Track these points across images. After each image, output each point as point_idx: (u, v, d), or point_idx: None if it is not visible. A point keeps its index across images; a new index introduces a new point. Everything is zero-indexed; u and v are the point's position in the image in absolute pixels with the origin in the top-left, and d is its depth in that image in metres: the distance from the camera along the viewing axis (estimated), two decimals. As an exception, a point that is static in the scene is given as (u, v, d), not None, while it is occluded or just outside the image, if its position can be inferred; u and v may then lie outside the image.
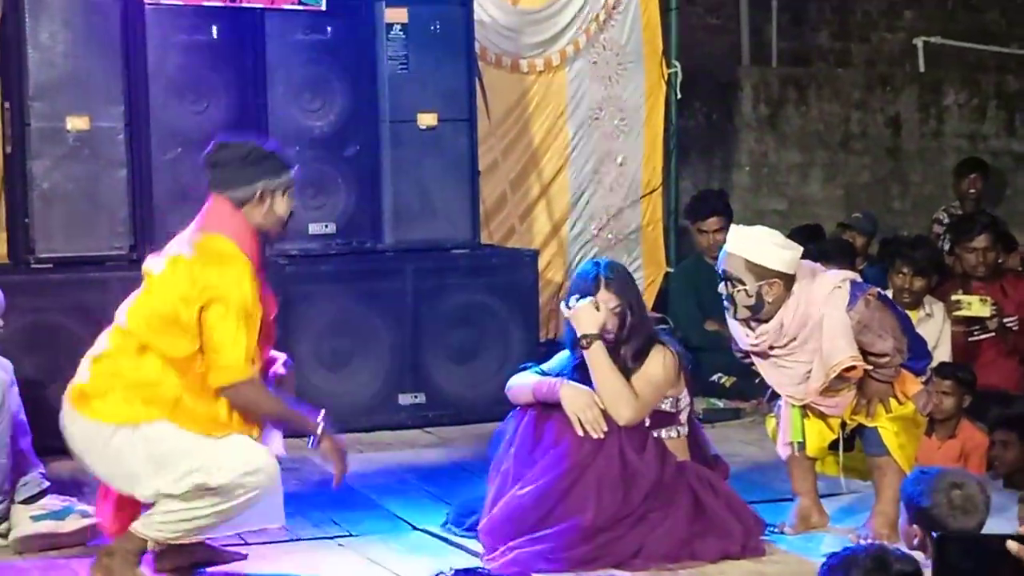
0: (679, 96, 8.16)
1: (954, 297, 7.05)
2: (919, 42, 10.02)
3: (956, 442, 6.51)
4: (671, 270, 8.12)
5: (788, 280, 4.80)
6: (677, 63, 8.13)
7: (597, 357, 4.80)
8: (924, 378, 5.09)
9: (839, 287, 4.84)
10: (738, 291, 4.81)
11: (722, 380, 7.32)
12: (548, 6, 7.80)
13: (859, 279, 5.02)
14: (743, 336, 4.95)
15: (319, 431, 4.48)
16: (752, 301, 4.81)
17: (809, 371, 4.87)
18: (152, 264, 4.60)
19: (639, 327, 4.90)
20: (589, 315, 4.82)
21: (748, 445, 6.50)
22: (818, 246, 7.86)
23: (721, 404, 7.16)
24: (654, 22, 8.05)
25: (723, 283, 4.87)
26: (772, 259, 4.79)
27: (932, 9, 10.17)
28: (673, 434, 4.94)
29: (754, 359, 5.01)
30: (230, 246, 4.42)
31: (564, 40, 7.86)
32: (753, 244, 4.82)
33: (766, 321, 4.84)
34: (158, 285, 4.50)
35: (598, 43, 7.95)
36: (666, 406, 4.92)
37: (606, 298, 4.84)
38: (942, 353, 6.98)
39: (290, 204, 4.58)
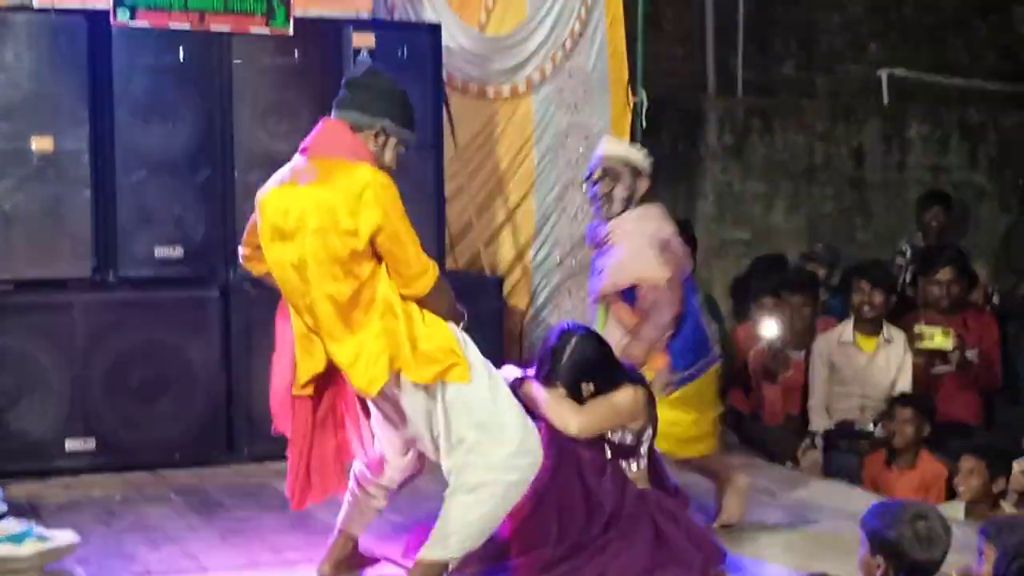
0: (644, 124, 8.19)
1: (917, 329, 7.11)
2: (883, 74, 10.08)
3: (916, 472, 6.56)
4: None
5: (646, 181, 5.52)
6: (643, 91, 8.16)
7: (529, 391, 4.81)
8: (687, 374, 5.40)
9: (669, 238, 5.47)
10: (617, 186, 5.42)
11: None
12: (515, 33, 7.83)
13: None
14: (599, 232, 5.50)
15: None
16: (627, 194, 5.44)
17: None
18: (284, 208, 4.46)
19: (599, 393, 4.90)
20: (508, 370, 4.90)
21: (709, 474, 6.51)
22: (781, 276, 7.94)
23: (683, 433, 7.16)
24: (620, 50, 8.08)
25: (597, 183, 5.45)
26: (641, 160, 5.55)
27: (896, 42, 10.25)
28: (634, 466, 4.94)
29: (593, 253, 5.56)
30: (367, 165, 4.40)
31: (530, 67, 7.88)
32: (625, 147, 5.64)
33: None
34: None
35: (564, 70, 7.98)
36: (628, 440, 4.92)
37: (556, 392, 4.87)
38: (903, 382, 7.04)
39: (394, 160, 4.57)
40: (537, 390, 4.84)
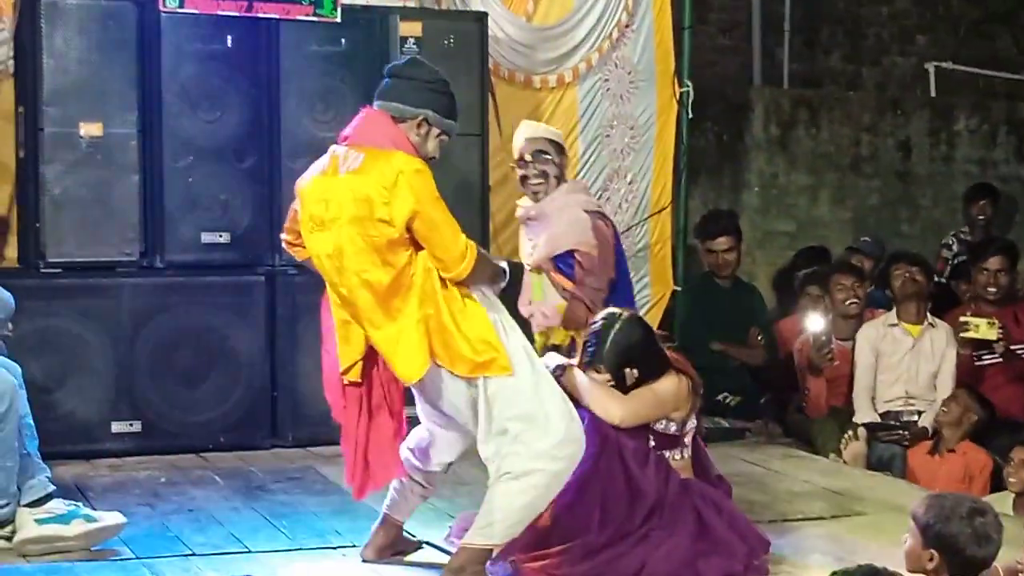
0: (690, 115, 8.17)
1: (962, 318, 7.08)
2: (931, 67, 10.03)
3: (959, 458, 6.54)
4: (679, 289, 8.12)
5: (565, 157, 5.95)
6: (689, 82, 8.14)
7: (572, 380, 4.80)
8: None
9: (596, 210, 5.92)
10: (548, 164, 5.80)
11: (727, 400, 7.33)
12: (562, 23, 7.82)
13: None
14: (527, 206, 5.87)
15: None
16: (558, 171, 5.83)
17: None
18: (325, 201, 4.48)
19: (643, 381, 4.89)
20: (551, 357, 4.94)
21: (752, 465, 6.51)
22: (824, 268, 7.92)
23: (726, 424, 7.17)
24: (667, 41, 8.06)
25: (528, 164, 5.80)
26: (561, 138, 6.00)
27: (944, 35, 10.19)
28: (677, 455, 4.93)
29: (522, 227, 5.91)
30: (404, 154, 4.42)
31: (577, 57, 7.87)
32: (545, 128, 6.02)
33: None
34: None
35: (611, 61, 7.97)
36: (672, 429, 4.91)
37: (599, 375, 4.88)
38: (946, 371, 7.01)
39: (437, 149, 4.60)
40: (580, 379, 4.84)
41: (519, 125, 6.11)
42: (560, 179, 5.89)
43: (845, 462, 6.77)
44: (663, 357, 4.96)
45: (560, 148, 5.93)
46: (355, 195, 4.39)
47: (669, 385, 4.88)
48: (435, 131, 4.58)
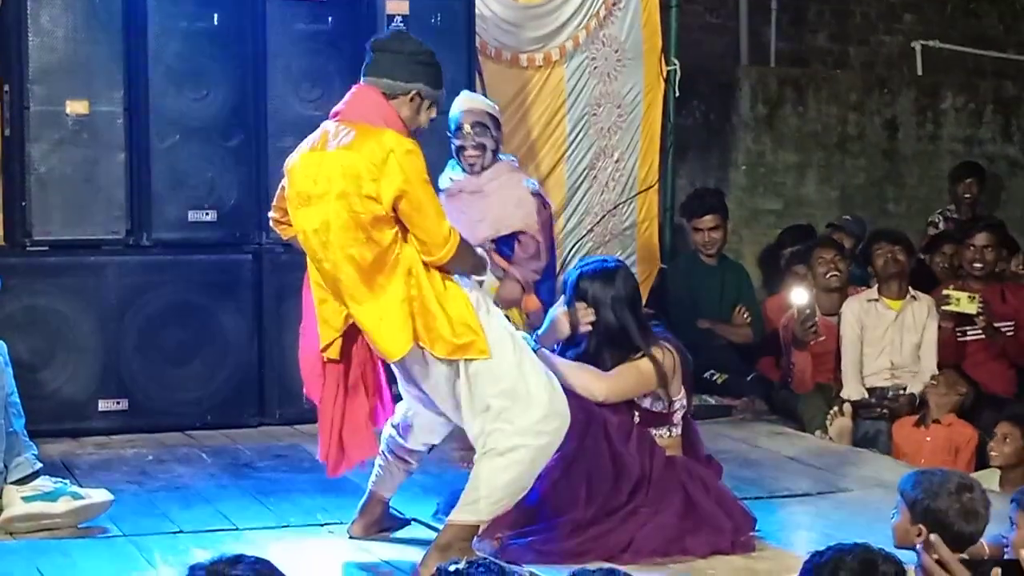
0: (677, 94, 8.16)
1: (944, 291, 7.12)
2: (917, 45, 10.03)
3: (944, 430, 6.57)
4: (665, 267, 8.14)
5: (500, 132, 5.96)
6: (676, 61, 8.13)
7: (549, 362, 4.75)
8: None
9: (539, 191, 6.03)
10: (487, 136, 5.82)
11: (714, 377, 7.34)
12: (548, 1, 7.80)
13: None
14: (459, 179, 5.86)
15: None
16: (495, 145, 5.84)
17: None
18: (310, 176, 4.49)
19: (619, 333, 4.87)
20: (557, 325, 4.92)
21: (739, 442, 6.53)
22: (807, 245, 7.95)
23: (713, 401, 7.19)
24: (654, 19, 8.05)
25: (465, 135, 5.80)
26: (498, 111, 5.98)
27: (931, 13, 10.19)
28: (665, 433, 4.93)
29: (448, 200, 5.66)
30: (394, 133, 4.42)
31: (564, 35, 7.86)
32: (484, 100, 6.02)
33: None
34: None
35: (598, 39, 7.95)
36: (658, 407, 4.90)
37: (581, 311, 4.88)
38: (928, 343, 7.04)
39: (428, 119, 4.65)
40: (556, 360, 4.83)
41: (458, 96, 6.08)
42: (495, 153, 5.91)
43: (831, 438, 6.80)
44: (650, 332, 4.95)
45: (497, 123, 5.95)
46: (344, 170, 4.39)
47: (650, 362, 4.85)
48: (427, 103, 4.58)
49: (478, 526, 4.50)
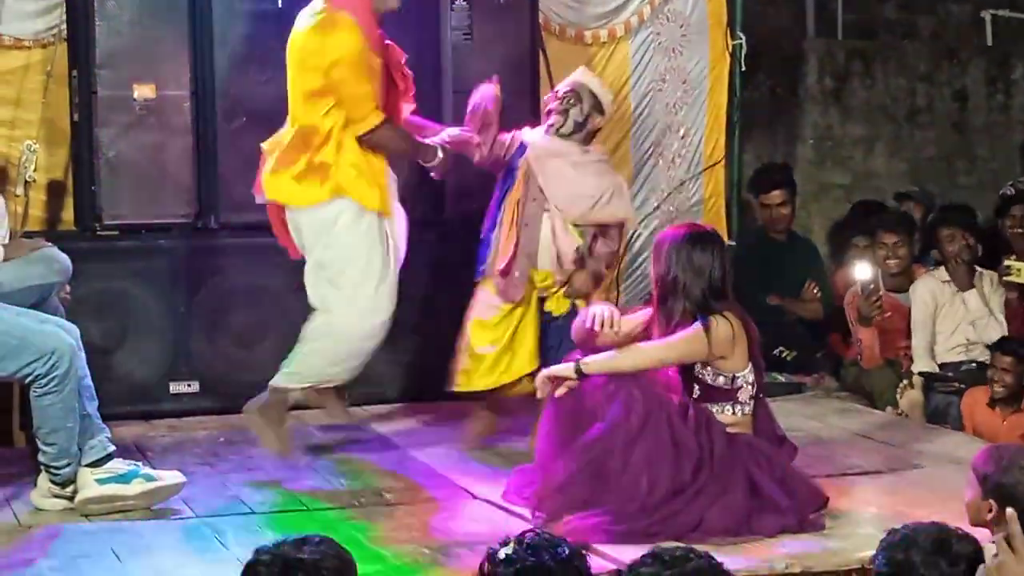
0: (743, 68, 8.09)
1: (1006, 262, 7.01)
2: (987, 15, 9.88)
3: (1021, 416, 6.48)
4: (733, 243, 8.08)
5: (602, 119, 5.92)
6: (741, 35, 8.05)
7: (595, 366, 4.79)
8: None
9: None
10: (575, 107, 5.80)
11: (784, 354, 7.29)
12: (612, -23, 7.77)
13: None
14: (543, 139, 5.82)
15: (439, 155, 5.57)
16: (581, 119, 5.81)
17: (595, 197, 5.75)
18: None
19: (674, 289, 4.85)
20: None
21: (810, 420, 6.49)
22: (878, 216, 7.86)
23: (782, 378, 7.14)
24: (719, -7, 8.00)
25: (560, 100, 5.84)
26: (606, 98, 5.94)
27: (1001, -19, 10.05)
28: (729, 411, 4.86)
29: (534, 161, 5.75)
30: (344, 17, 5.29)
31: (628, 11, 7.82)
32: (598, 83, 6.00)
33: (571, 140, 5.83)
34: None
35: (662, 14, 7.90)
36: (720, 381, 4.85)
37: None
38: (993, 323, 6.95)
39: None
40: (604, 357, 4.82)
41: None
42: (579, 129, 5.83)
43: (902, 412, 6.73)
44: (712, 295, 4.86)
45: (597, 104, 5.88)
46: (300, 46, 5.39)
47: (704, 329, 4.78)
48: None
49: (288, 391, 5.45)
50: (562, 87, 5.95)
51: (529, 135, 5.89)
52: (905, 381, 6.83)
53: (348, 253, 5.34)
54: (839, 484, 5.27)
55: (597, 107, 5.87)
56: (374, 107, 5.32)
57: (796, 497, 4.78)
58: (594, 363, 4.81)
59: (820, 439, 6.09)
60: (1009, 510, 3.23)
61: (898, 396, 6.79)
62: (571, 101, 5.82)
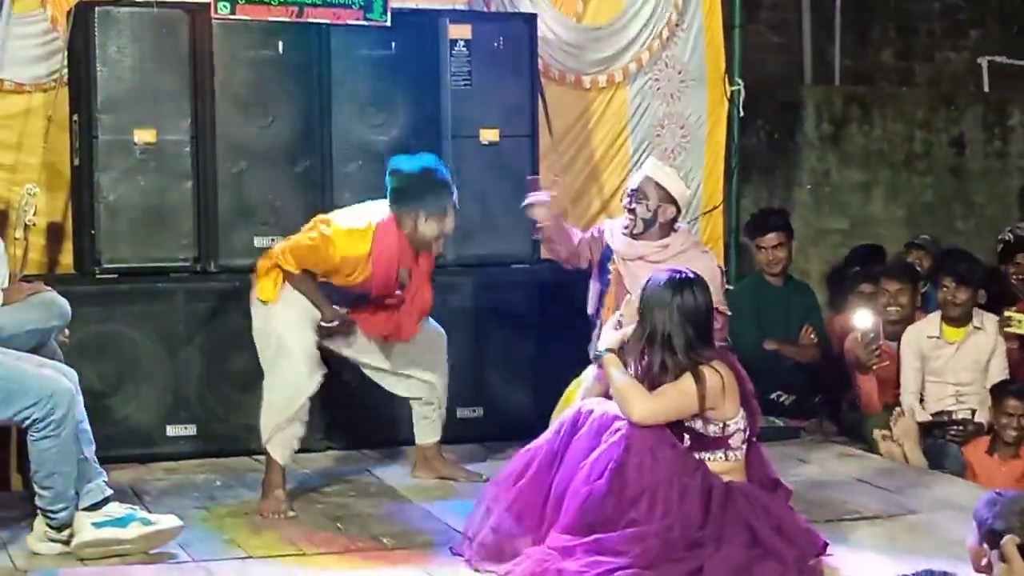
0: (741, 114, 8.15)
1: (1007, 313, 7.02)
2: (983, 62, 9.95)
3: (1020, 462, 6.48)
4: (731, 288, 8.09)
5: (677, 211, 5.82)
6: (739, 81, 8.12)
7: (608, 366, 4.88)
8: None
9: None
10: (642, 205, 5.75)
11: (781, 398, 7.29)
12: (611, 24, 7.82)
13: None
14: (622, 242, 5.80)
15: (334, 321, 5.71)
16: (649, 216, 5.75)
17: None
18: None
19: (664, 341, 4.80)
20: (608, 333, 5.03)
21: (807, 464, 6.49)
22: (882, 265, 7.87)
23: (780, 423, 7.13)
24: (717, 40, 8.05)
25: (629, 198, 5.81)
26: (675, 188, 5.80)
27: (997, 29, 10.10)
28: (721, 457, 4.82)
29: (620, 264, 5.77)
30: (367, 231, 5.57)
31: (627, 57, 7.87)
32: (664, 174, 5.84)
33: (646, 238, 5.77)
34: None
35: (661, 60, 7.96)
36: (711, 430, 4.80)
37: (629, 306, 5.03)
38: (996, 366, 6.95)
39: (438, 227, 5.62)
40: (616, 370, 4.84)
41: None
42: (650, 225, 5.77)
43: (897, 439, 6.65)
44: (701, 344, 4.83)
45: (667, 196, 5.77)
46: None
47: (691, 383, 4.73)
48: (423, 217, 5.60)
49: None
50: (631, 183, 5.94)
51: (610, 234, 5.90)
52: (898, 409, 6.79)
53: None
54: (837, 529, 5.26)
55: (666, 198, 5.78)
56: (298, 264, 5.60)
57: (795, 544, 4.76)
58: (611, 369, 4.85)
59: (818, 483, 6.07)
60: (1007, 537, 3.22)
61: (892, 423, 6.74)
62: (638, 198, 5.78)
